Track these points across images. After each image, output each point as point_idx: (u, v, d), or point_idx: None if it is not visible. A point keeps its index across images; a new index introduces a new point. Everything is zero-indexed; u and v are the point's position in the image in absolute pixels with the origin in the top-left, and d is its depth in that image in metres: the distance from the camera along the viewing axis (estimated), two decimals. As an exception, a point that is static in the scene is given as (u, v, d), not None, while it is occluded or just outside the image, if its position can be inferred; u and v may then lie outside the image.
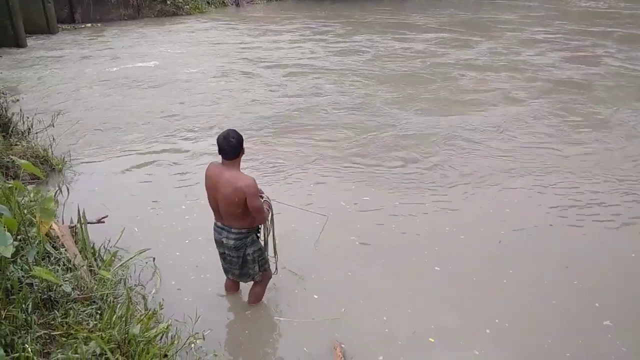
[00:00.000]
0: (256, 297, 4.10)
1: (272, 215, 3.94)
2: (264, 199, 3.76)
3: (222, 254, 3.85)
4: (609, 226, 5.30)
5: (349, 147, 7.47)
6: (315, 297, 4.20)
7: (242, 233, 3.66)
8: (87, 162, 6.94)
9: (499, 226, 5.29)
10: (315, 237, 4.69)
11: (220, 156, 3.51)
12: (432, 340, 3.73)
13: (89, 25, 20.78)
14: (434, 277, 4.48)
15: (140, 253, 4.23)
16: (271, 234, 4.02)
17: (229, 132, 3.48)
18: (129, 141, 7.76)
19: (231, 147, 3.42)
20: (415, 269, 4.60)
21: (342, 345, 3.56)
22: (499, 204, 5.78)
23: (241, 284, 4.18)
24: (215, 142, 3.53)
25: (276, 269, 4.16)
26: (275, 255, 4.14)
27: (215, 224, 3.77)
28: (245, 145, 3.52)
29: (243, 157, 3.57)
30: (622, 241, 5.05)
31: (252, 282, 4.03)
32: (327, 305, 4.06)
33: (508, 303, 4.15)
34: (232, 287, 4.22)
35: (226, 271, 3.98)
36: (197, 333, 3.30)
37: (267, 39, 16.98)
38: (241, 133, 3.51)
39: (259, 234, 3.87)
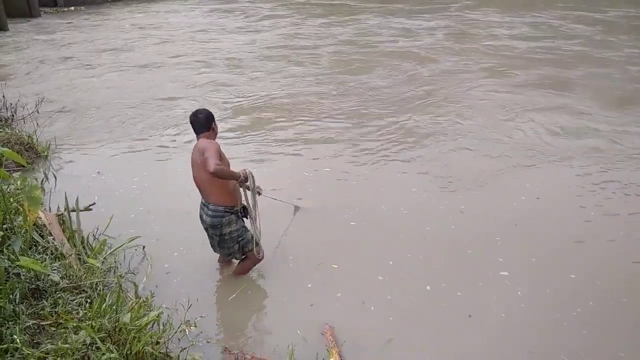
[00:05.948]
0: (240, 271, 4.14)
1: (253, 184, 3.90)
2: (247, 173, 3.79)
3: (205, 229, 3.90)
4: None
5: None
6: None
7: (218, 211, 3.69)
8: (73, 148, 6.83)
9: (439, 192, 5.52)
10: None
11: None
12: (335, 266, 4.21)
13: (72, 8, 20.37)
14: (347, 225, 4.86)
15: (131, 241, 4.19)
16: (256, 220, 3.98)
17: (198, 109, 3.76)
18: (114, 125, 7.65)
19: (199, 121, 3.66)
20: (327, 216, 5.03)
21: (332, 328, 3.55)
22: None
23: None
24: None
25: (262, 255, 4.09)
26: (258, 241, 4.05)
27: (201, 201, 3.83)
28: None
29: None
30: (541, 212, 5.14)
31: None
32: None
33: (424, 246, 4.50)
34: (224, 260, 4.26)
35: (212, 246, 4.01)
36: (189, 321, 3.27)
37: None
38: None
39: (243, 216, 3.91)
